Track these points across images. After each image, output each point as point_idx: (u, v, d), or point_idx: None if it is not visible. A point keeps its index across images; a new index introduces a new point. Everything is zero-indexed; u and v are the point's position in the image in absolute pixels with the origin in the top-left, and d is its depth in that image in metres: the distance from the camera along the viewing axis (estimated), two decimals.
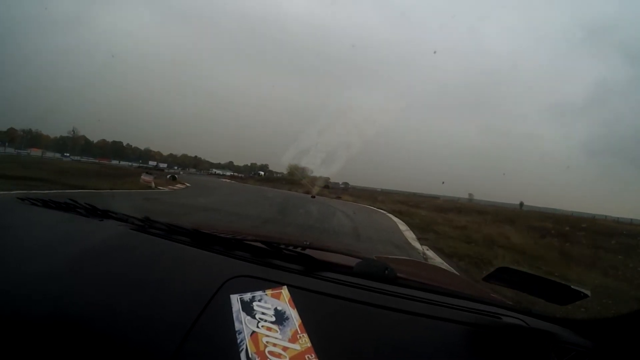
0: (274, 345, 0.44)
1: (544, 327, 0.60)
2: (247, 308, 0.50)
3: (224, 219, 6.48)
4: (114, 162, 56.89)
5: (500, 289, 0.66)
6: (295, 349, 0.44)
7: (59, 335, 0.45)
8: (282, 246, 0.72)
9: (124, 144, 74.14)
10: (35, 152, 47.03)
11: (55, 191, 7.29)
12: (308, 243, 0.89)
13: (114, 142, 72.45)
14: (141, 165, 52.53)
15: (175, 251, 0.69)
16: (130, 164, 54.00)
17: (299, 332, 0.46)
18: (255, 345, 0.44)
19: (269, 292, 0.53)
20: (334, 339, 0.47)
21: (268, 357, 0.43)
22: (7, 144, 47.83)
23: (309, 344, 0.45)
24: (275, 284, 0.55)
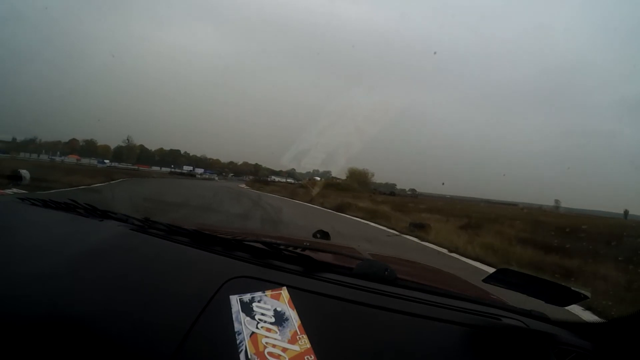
0: (274, 346, 0.44)
1: (543, 329, 0.59)
2: (247, 309, 0.50)
3: None
4: (155, 168, 57.88)
5: (500, 291, 0.66)
6: (294, 350, 0.44)
7: (59, 336, 0.45)
8: (282, 247, 0.72)
9: (182, 152, 73.62)
10: (71, 158, 48.48)
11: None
12: (308, 244, 0.89)
13: (172, 150, 72.64)
14: (173, 170, 53.50)
15: (175, 252, 0.69)
16: (167, 169, 55.04)
17: (299, 333, 0.46)
18: (255, 346, 0.44)
19: (268, 292, 0.53)
20: (334, 340, 0.47)
21: (267, 358, 0.43)
22: (56, 153, 49.66)
23: (309, 345, 0.44)
24: (275, 284, 0.55)
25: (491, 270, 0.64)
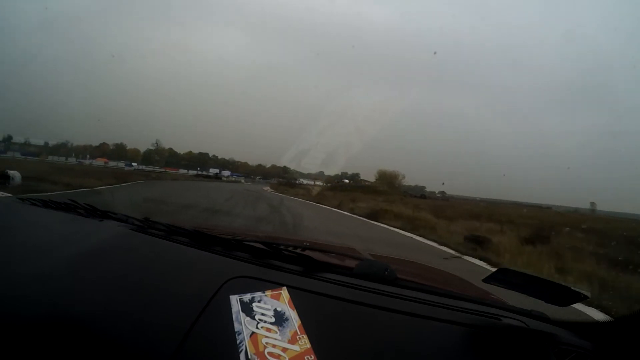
0: (274, 346, 0.44)
1: (544, 329, 0.59)
2: (247, 309, 0.50)
3: None
4: (182, 170, 58.79)
5: (500, 291, 0.66)
6: (294, 350, 0.44)
7: (59, 336, 0.45)
8: (282, 247, 0.72)
9: (210, 155, 73.75)
10: (99, 161, 49.55)
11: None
12: (308, 244, 0.89)
13: (201, 154, 72.79)
14: (199, 172, 54.33)
15: (175, 252, 0.69)
16: (194, 172, 55.79)
17: (299, 333, 0.46)
18: (255, 346, 0.44)
19: (268, 293, 0.53)
20: (334, 340, 0.46)
21: (267, 358, 0.43)
22: (82, 156, 51.21)
23: (309, 345, 0.44)
24: (275, 284, 0.55)
25: (491, 270, 0.64)
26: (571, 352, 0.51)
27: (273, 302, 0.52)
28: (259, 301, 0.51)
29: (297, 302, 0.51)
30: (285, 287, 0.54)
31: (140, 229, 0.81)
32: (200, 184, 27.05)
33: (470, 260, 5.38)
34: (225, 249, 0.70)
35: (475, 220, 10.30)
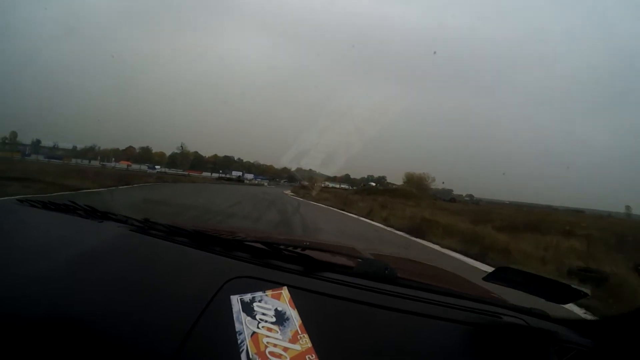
0: (275, 345, 0.44)
1: (544, 326, 0.60)
2: (248, 309, 0.50)
3: None
4: (206, 173, 59.80)
5: (501, 289, 0.66)
6: (295, 350, 0.44)
7: (59, 337, 0.45)
8: (282, 247, 0.72)
9: (235, 158, 74.13)
10: (122, 164, 50.70)
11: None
12: (308, 243, 0.89)
13: (226, 157, 73.31)
14: (221, 175, 54.98)
15: (175, 252, 0.69)
16: (217, 174, 56.71)
17: (300, 332, 0.46)
18: (256, 346, 0.44)
19: (269, 292, 0.53)
20: (335, 340, 0.47)
21: (268, 358, 0.43)
22: (104, 159, 52.91)
23: (310, 345, 0.44)
24: (276, 284, 0.55)
25: (491, 269, 0.64)
26: (571, 349, 0.51)
27: (274, 301, 0.52)
28: (259, 301, 0.51)
29: (297, 302, 0.51)
30: (285, 287, 0.54)
31: (140, 229, 0.81)
32: (213, 186, 25.58)
33: None
34: (225, 249, 0.70)
35: (538, 233, 7.31)
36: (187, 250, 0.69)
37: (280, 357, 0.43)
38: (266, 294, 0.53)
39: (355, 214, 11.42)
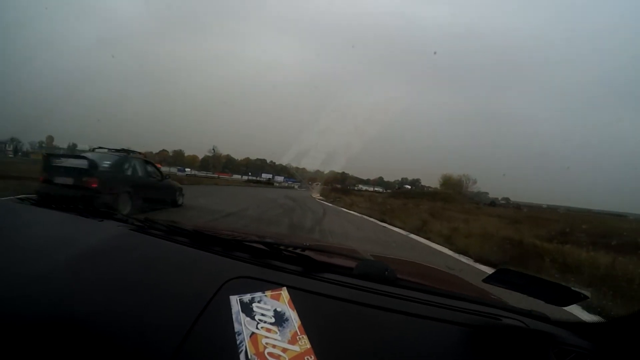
0: (274, 346, 0.44)
1: (543, 329, 0.59)
2: (247, 309, 0.50)
3: None
4: (236, 176, 60.64)
5: (500, 291, 0.66)
6: (294, 350, 0.44)
7: (59, 337, 0.45)
8: (282, 247, 0.72)
9: (268, 161, 74.95)
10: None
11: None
12: (308, 244, 0.89)
13: (258, 160, 74.32)
14: (249, 177, 56.34)
15: (175, 252, 0.69)
16: (245, 176, 58.49)
17: (299, 333, 0.46)
18: (255, 347, 0.44)
19: (268, 293, 0.53)
20: (334, 341, 0.46)
21: (267, 359, 0.42)
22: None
23: (309, 346, 0.44)
24: (275, 285, 0.55)
25: (491, 270, 0.64)
26: (571, 352, 0.51)
27: (273, 302, 0.52)
28: (259, 301, 0.51)
29: (297, 303, 0.51)
30: (285, 288, 0.54)
31: (140, 229, 0.81)
32: (235, 189, 22.98)
33: None
34: (225, 249, 0.70)
35: (615, 253, 4.89)
36: (187, 250, 0.69)
37: (279, 358, 0.43)
38: (265, 294, 0.53)
39: (401, 228, 8.41)
